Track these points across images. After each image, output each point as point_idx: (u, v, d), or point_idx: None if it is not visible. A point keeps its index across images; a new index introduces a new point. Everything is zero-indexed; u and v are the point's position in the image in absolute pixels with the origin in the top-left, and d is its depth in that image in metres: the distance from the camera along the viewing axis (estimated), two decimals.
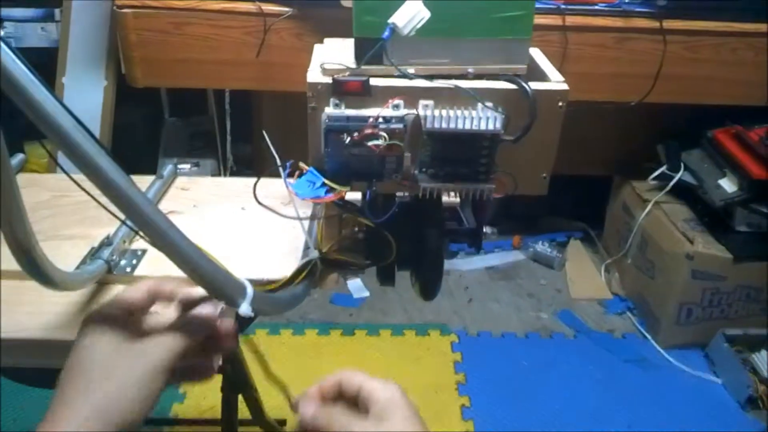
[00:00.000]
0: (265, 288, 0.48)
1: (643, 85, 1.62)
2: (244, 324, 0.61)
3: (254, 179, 0.79)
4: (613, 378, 1.74)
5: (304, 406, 0.50)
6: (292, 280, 0.53)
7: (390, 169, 0.51)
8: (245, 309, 0.43)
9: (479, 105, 0.49)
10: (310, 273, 0.55)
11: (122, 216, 0.38)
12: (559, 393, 1.68)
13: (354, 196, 0.57)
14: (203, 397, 1.57)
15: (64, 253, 0.60)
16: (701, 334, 1.79)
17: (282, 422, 1.32)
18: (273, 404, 1.30)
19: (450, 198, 0.68)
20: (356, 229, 0.64)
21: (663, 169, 1.83)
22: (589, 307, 2.07)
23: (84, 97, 1.81)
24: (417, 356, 1.80)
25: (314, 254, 0.56)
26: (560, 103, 0.50)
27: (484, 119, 0.47)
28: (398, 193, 0.59)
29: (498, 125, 0.47)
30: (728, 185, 1.68)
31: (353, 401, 0.51)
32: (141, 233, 0.38)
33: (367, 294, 2.13)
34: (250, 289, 0.44)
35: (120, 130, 1.85)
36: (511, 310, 2.06)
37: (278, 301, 0.48)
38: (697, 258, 1.65)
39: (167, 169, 0.75)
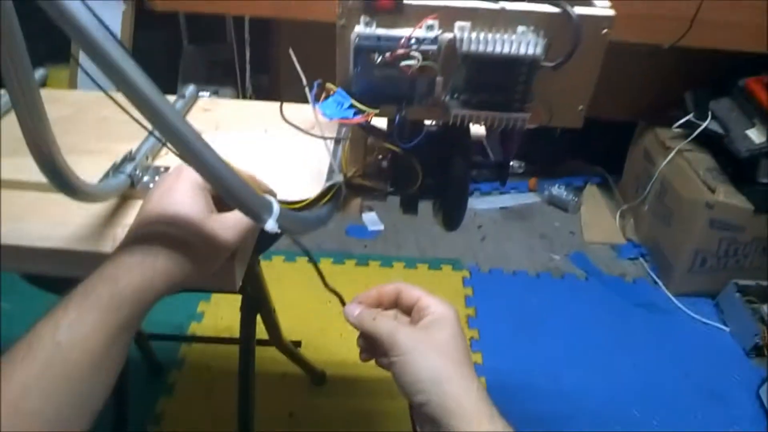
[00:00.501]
0: (290, 207, 0.48)
1: (677, 28, 1.55)
2: (265, 243, 0.62)
3: (276, 103, 0.78)
4: (621, 321, 1.76)
5: (349, 307, 0.53)
6: (316, 201, 0.52)
7: (421, 93, 0.50)
8: (271, 225, 0.43)
9: (519, 28, 0.46)
10: (334, 196, 0.54)
11: (146, 130, 0.37)
12: (566, 332, 1.71)
13: (380, 121, 0.55)
14: (220, 317, 1.62)
15: (84, 168, 0.60)
16: (713, 283, 1.80)
17: (297, 343, 1.35)
18: (288, 326, 1.34)
19: (476, 129, 0.67)
20: (380, 156, 0.63)
21: (689, 117, 1.79)
22: (602, 251, 2.08)
23: (102, 20, 1.77)
24: (428, 289, 1.79)
25: (339, 178, 0.55)
26: (604, 30, 0.48)
27: (524, 43, 0.45)
28: (426, 122, 0.58)
29: (538, 50, 0.45)
30: (756, 136, 1.64)
31: (407, 312, 0.54)
32: (167, 143, 0.37)
33: (381, 227, 2.14)
34: (276, 206, 0.44)
35: (139, 56, 1.81)
36: (523, 249, 2.07)
37: (303, 220, 0.48)
38: (717, 207, 1.63)
39: (189, 89, 0.74)
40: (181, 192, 0.47)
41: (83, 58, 0.36)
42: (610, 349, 1.66)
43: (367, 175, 0.60)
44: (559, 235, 2.13)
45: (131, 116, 0.38)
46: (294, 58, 0.52)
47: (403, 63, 0.46)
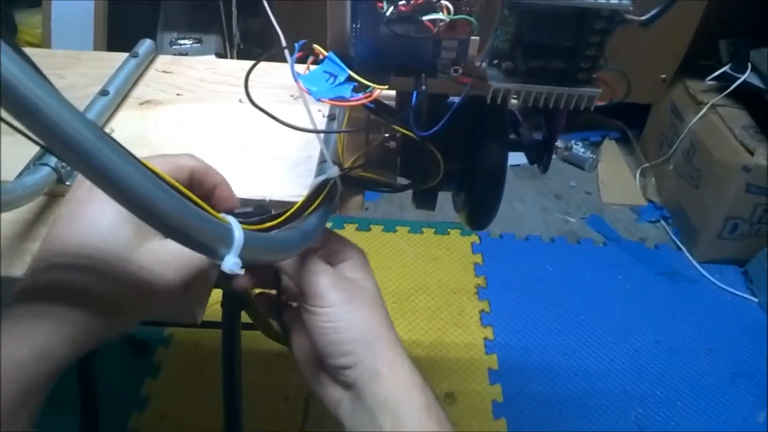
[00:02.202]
0: (262, 225, 0.34)
1: None
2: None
3: (261, 63, 0.62)
4: (643, 290, 1.64)
5: None
6: (304, 209, 0.38)
7: (447, 59, 0.35)
8: (231, 264, 0.29)
9: None
10: (327, 197, 0.40)
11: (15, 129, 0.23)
12: (584, 302, 1.59)
13: (387, 93, 0.41)
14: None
15: (3, 155, 0.46)
16: (742, 251, 1.67)
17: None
18: None
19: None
20: (388, 134, 0.49)
21: (725, 68, 1.61)
22: (621, 213, 1.94)
23: None
24: (435, 256, 1.70)
25: (334, 171, 0.41)
26: None
27: None
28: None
29: None
30: None
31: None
32: (54, 151, 0.23)
33: None
34: (238, 232, 0.29)
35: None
36: (536, 211, 1.93)
37: (280, 244, 0.34)
38: (756, 171, 1.47)
39: (144, 46, 0.58)
40: (97, 210, 0.33)
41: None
42: (630, 322, 1.55)
43: (371, 164, 0.45)
44: (574, 196, 1.99)
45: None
46: (267, 6, 0.37)
47: (427, 17, 0.31)
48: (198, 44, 1.60)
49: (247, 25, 1.83)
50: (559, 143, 0.50)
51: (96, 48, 1.55)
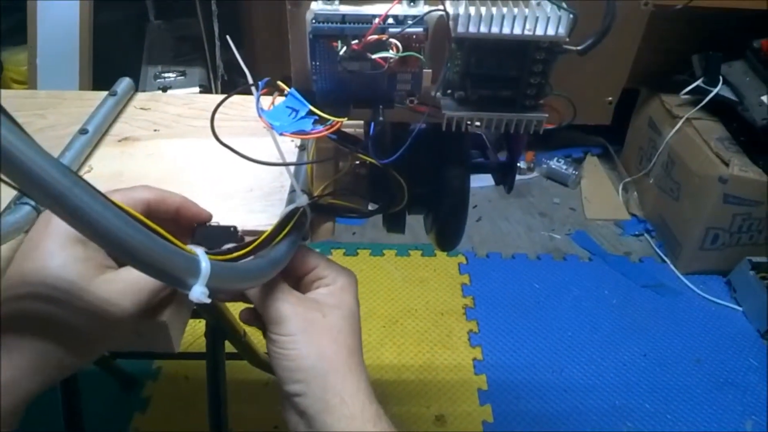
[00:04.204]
0: (230, 255, 0.36)
1: None
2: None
3: (238, 97, 0.64)
4: (629, 303, 1.66)
5: None
6: (272, 237, 0.40)
7: (403, 91, 0.37)
8: (198, 293, 0.30)
9: (533, 0, 0.34)
10: (296, 225, 0.42)
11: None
12: (572, 318, 1.61)
13: (353, 122, 0.43)
14: (198, 320, 1.50)
15: None
16: (724, 261, 1.69)
17: None
18: None
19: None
20: (357, 162, 0.51)
21: (699, 82, 1.65)
22: (605, 228, 1.97)
23: None
24: (422, 278, 1.72)
25: (302, 200, 0.42)
26: (645, 2, 0.35)
27: (543, 20, 0.32)
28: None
29: (562, 29, 0.32)
30: None
31: (297, 280, 0.45)
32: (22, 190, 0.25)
33: None
34: (204, 263, 0.31)
35: (101, 34, 1.66)
36: (522, 229, 1.96)
37: (248, 272, 0.35)
38: (732, 182, 1.51)
39: (122, 84, 0.60)
40: (48, 250, 0.35)
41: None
42: (617, 336, 1.56)
43: (341, 191, 0.47)
44: (559, 213, 2.02)
45: None
46: (232, 44, 0.39)
47: (377, 55, 0.33)
48: (182, 77, 1.63)
49: (231, 57, 1.86)
50: (522, 164, 0.52)
51: (81, 84, 1.57)
